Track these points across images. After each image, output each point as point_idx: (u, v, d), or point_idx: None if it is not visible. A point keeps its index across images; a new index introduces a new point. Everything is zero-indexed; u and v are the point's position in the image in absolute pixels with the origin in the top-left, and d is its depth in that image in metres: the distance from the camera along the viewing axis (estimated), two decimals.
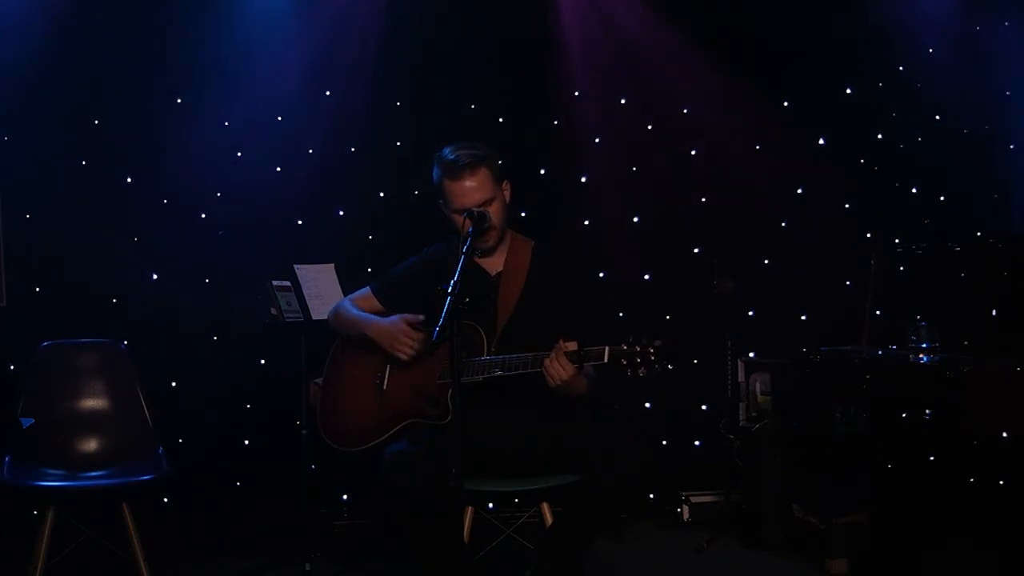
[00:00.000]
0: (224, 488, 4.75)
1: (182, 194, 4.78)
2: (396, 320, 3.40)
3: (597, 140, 5.14)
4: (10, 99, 4.58)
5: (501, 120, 5.05)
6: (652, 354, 3.07)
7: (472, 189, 3.33)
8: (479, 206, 3.32)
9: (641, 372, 3.08)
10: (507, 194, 3.45)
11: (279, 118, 4.91)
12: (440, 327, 2.90)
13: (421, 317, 3.36)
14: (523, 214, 4.80)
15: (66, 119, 4.65)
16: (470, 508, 3.48)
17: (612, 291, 5.10)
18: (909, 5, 5.13)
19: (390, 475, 3.18)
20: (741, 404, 4.79)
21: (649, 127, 5.17)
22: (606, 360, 3.11)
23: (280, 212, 4.87)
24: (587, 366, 3.16)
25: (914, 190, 5.21)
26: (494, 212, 3.36)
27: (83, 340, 4.32)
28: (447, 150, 3.38)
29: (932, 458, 3.60)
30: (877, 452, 3.86)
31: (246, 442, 4.83)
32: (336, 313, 3.60)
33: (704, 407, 5.13)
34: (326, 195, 4.92)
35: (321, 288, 4.31)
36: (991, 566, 3.49)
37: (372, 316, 3.48)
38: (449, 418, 3.23)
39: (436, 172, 3.41)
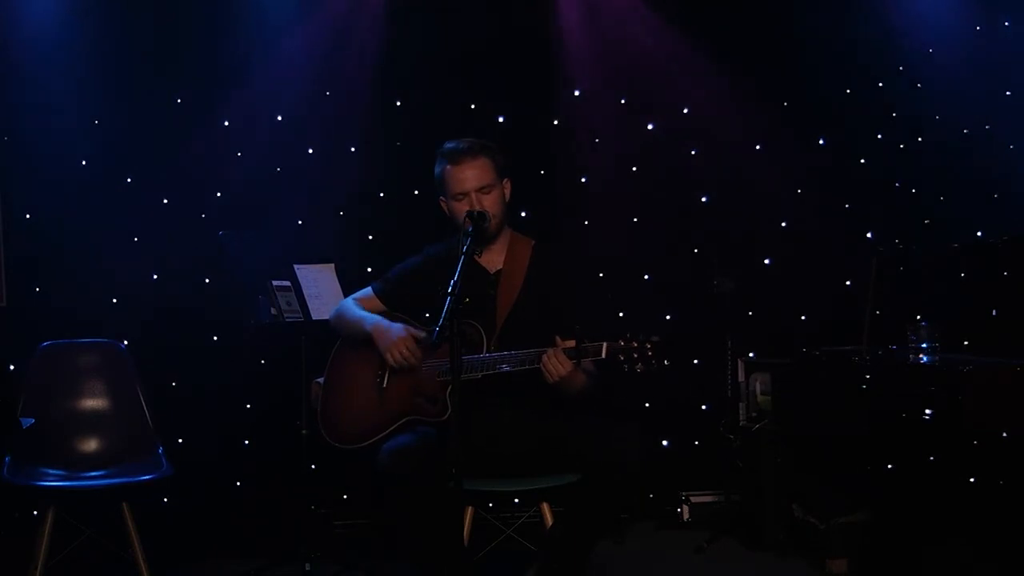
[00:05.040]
0: (224, 488, 4.75)
1: (182, 194, 4.79)
2: (400, 327, 3.38)
3: (597, 140, 5.13)
4: (10, 99, 4.59)
5: (501, 120, 5.05)
6: (650, 350, 3.08)
7: (473, 174, 3.37)
8: (478, 191, 3.35)
9: (639, 368, 3.09)
10: (507, 191, 3.48)
11: (279, 118, 4.91)
12: (440, 327, 2.90)
13: (423, 334, 3.33)
14: (523, 214, 4.80)
15: (66, 119, 4.65)
16: (470, 508, 3.49)
17: (612, 291, 5.10)
18: (909, 5, 5.13)
19: (388, 470, 3.18)
20: (741, 404, 4.79)
21: (649, 127, 5.18)
22: (604, 356, 3.12)
23: (280, 212, 4.87)
24: (586, 362, 3.16)
25: (914, 190, 5.21)
26: (493, 202, 3.38)
27: (83, 340, 4.32)
28: (449, 142, 3.43)
29: (932, 458, 3.60)
30: (877, 452, 3.86)
31: (246, 442, 4.83)
32: (339, 314, 3.59)
33: (704, 407, 5.13)
34: (326, 195, 4.92)
35: (321, 288, 4.31)
36: (991, 566, 3.49)
37: (376, 316, 3.47)
38: (448, 415, 3.23)
39: (438, 165, 3.44)
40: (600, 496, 3.20)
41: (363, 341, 3.46)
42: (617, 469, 3.16)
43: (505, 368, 3.25)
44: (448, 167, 3.41)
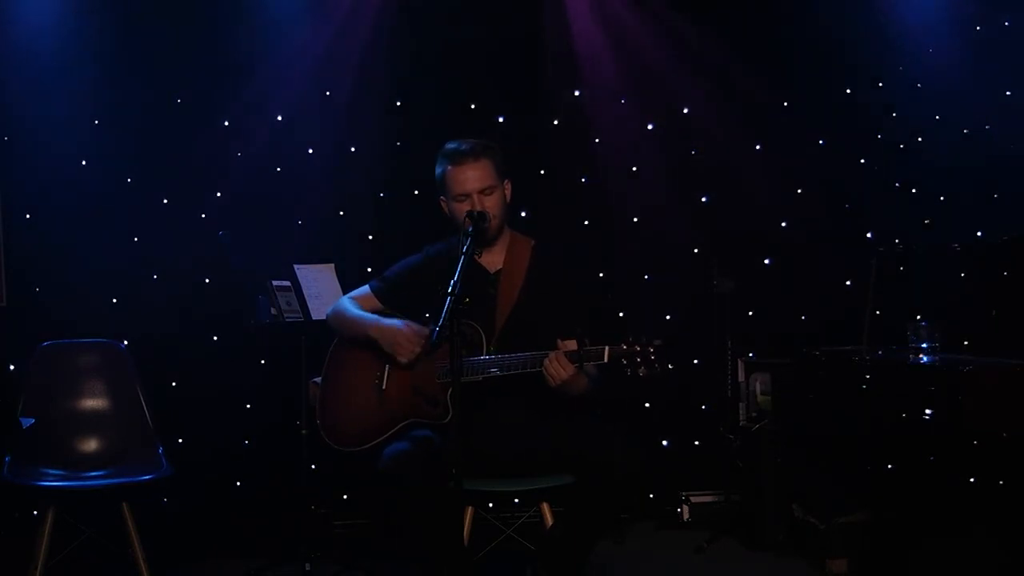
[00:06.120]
0: (224, 488, 4.76)
1: (182, 194, 4.79)
2: (400, 323, 3.37)
3: (597, 140, 5.14)
4: (10, 99, 4.59)
5: (501, 120, 5.05)
6: (652, 353, 3.08)
7: (474, 175, 3.36)
8: (479, 193, 3.35)
9: (641, 372, 3.09)
10: (508, 192, 3.47)
11: (279, 118, 4.91)
12: (440, 327, 2.90)
13: (425, 331, 3.31)
14: (523, 214, 4.80)
15: (66, 119, 4.65)
16: (470, 508, 3.48)
17: (612, 291, 5.10)
18: (909, 5, 5.13)
19: (389, 474, 3.18)
20: (741, 404, 4.79)
21: (649, 127, 5.17)
22: (606, 360, 3.13)
23: (280, 212, 4.87)
24: (588, 364, 3.16)
25: (914, 190, 5.21)
26: (494, 203, 3.38)
27: (83, 340, 4.32)
28: (451, 143, 3.41)
29: (932, 458, 3.60)
30: (877, 452, 3.86)
31: (246, 442, 4.83)
32: (336, 313, 3.57)
33: (704, 407, 5.13)
34: (326, 195, 4.92)
35: (321, 288, 4.31)
36: (991, 566, 3.49)
37: (375, 316, 3.45)
38: (449, 417, 3.23)
39: (439, 165, 3.43)
40: (598, 497, 3.20)
41: (363, 342, 3.44)
42: (616, 470, 3.15)
43: (505, 372, 3.25)
44: (450, 168, 3.40)
